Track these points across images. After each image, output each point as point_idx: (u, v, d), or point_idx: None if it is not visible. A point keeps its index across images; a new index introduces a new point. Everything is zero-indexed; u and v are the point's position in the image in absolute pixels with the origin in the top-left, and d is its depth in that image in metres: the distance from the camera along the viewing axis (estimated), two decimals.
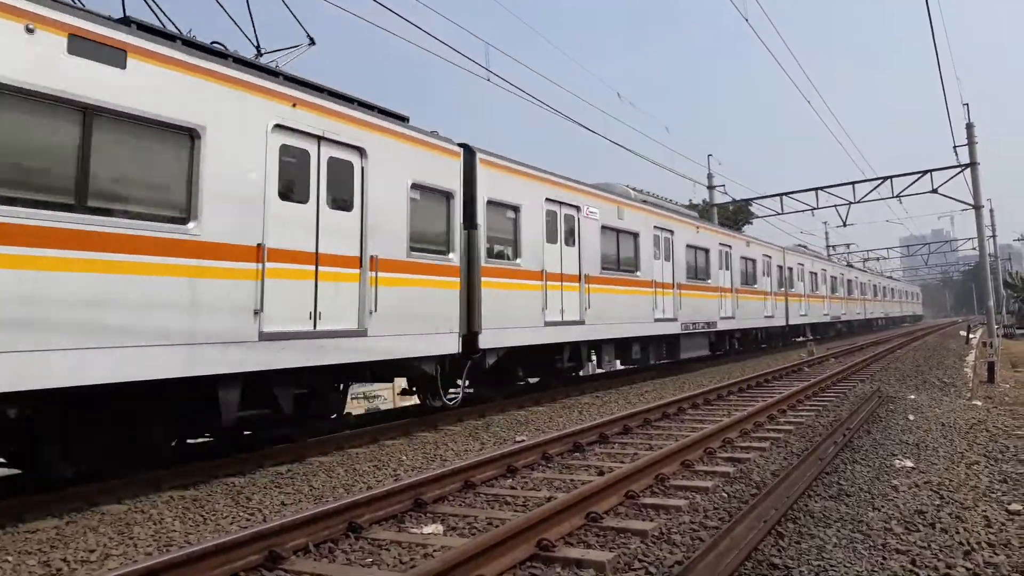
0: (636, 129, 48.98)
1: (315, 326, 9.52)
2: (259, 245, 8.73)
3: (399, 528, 6.36)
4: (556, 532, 5.67)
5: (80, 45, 7.08)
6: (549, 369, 15.98)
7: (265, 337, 8.72)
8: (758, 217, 42.22)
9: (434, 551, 5.60)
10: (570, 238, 15.62)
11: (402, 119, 11.66)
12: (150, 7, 9.34)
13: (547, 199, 14.90)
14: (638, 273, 18.58)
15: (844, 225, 37.55)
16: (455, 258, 12.30)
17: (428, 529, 6.27)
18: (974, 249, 58.55)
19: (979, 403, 14.19)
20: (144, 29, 8.07)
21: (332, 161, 9.97)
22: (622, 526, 5.99)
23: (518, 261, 13.98)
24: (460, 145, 12.75)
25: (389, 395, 21.02)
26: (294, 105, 9.35)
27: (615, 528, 5.97)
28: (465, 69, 16.43)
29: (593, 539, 5.76)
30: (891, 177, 33.93)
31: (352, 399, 19.71)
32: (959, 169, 32.12)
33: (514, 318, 13.59)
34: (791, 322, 32.44)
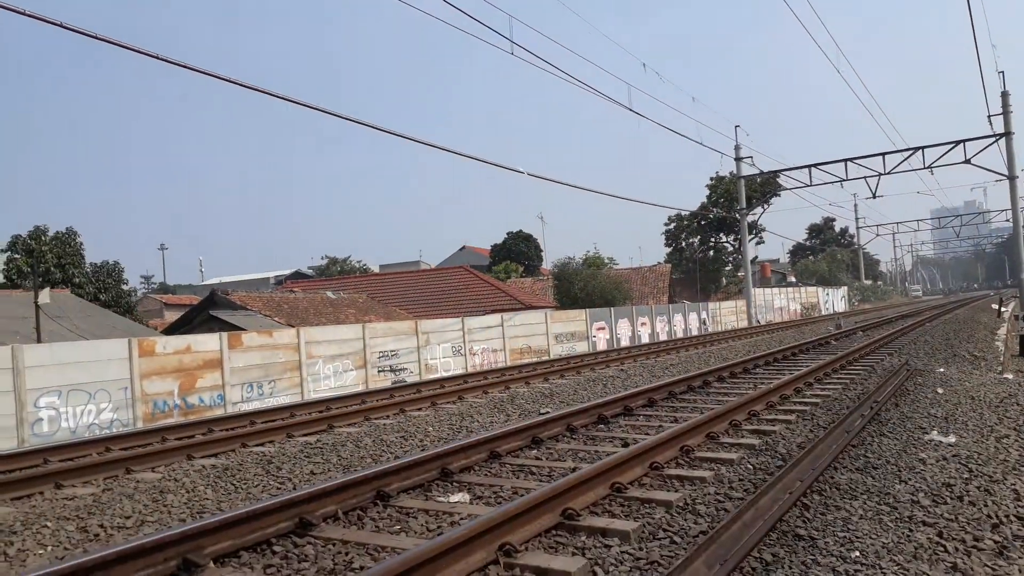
0: (661, 101, 48.31)
1: None
2: None
3: (426, 497, 6.45)
4: (581, 502, 5.72)
5: None
6: None
7: None
8: (786, 189, 41.63)
9: (460, 519, 5.67)
10: None
11: None
12: None
13: None
14: None
15: (874, 196, 36.83)
16: None
17: (455, 498, 6.35)
18: (1008, 220, 57.40)
19: (1010, 376, 13.99)
20: None
21: None
22: (647, 496, 6.02)
23: None
24: None
25: (416, 368, 21.22)
26: None
27: (640, 498, 6.00)
28: (488, 42, 16.25)
29: (618, 509, 5.80)
30: (922, 148, 33.20)
31: (379, 372, 19.94)
32: (993, 139, 31.38)
33: None
34: None
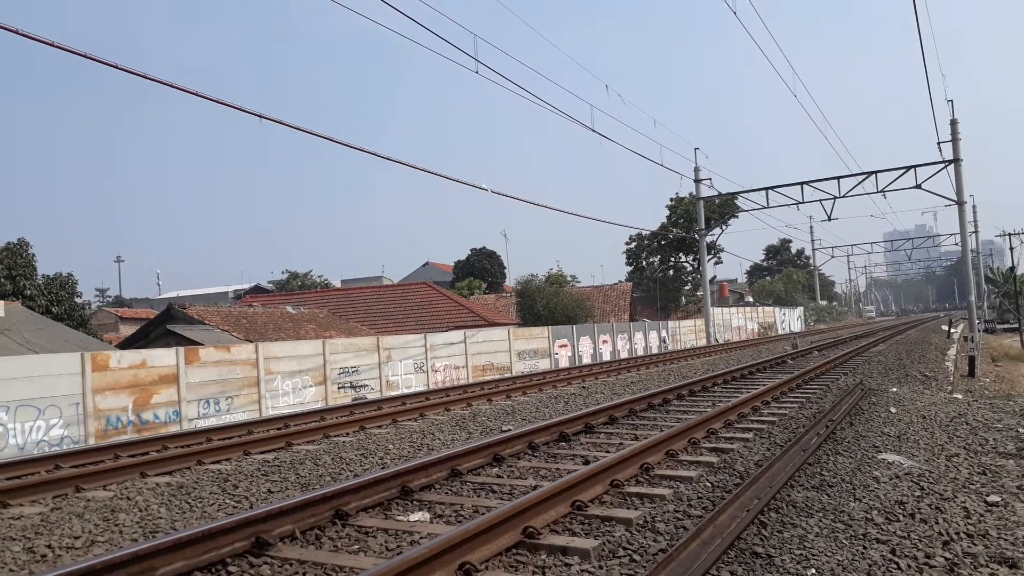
0: (623, 123, 48.96)
1: None
2: None
3: (386, 515, 6.39)
4: (542, 520, 5.71)
5: None
6: None
7: None
8: (744, 210, 42.36)
9: (420, 538, 5.62)
10: None
11: None
12: None
13: None
14: None
15: (829, 219, 37.67)
16: None
17: (415, 516, 6.30)
18: (956, 244, 59.06)
19: (960, 396, 14.36)
20: None
21: None
22: (607, 514, 6.04)
23: None
24: None
25: (377, 384, 21.02)
26: None
27: (600, 516, 6.01)
28: (453, 60, 16.32)
29: (578, 527, 5.81)
30: (876, 172, 34.08)
31: (339, 389, 19.72)
32: (943, 165, 32.32)
33: None
34: None
